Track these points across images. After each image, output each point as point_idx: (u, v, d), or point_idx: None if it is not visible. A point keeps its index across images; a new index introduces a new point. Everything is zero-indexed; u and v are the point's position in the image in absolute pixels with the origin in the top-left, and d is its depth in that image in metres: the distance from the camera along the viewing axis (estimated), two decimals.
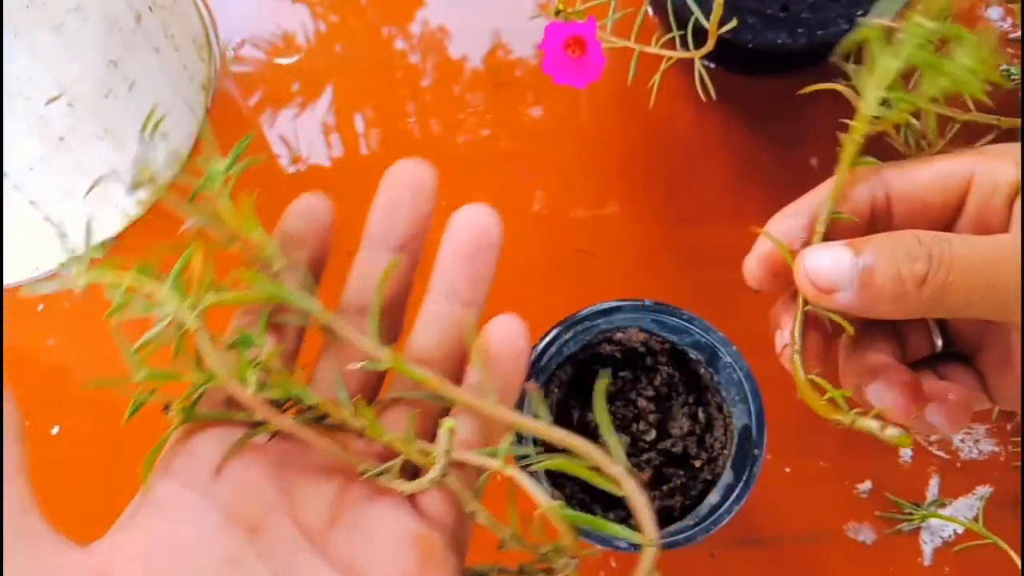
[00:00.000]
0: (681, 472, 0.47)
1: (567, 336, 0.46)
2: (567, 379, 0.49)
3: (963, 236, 0.26)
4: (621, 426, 0.49)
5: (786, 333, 0.31)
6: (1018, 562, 0.51)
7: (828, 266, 0.27)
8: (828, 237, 0.29)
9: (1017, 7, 0.61)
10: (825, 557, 0.53)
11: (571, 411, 0.49)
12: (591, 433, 0.49)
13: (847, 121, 0.32)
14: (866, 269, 0.26)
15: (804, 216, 0.30)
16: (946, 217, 0.29)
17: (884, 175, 0.30)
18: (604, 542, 0.43)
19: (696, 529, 0.43)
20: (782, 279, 0.30)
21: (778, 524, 0.53)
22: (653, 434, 0.48)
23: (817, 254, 0.27)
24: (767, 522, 0.53)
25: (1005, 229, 0.27)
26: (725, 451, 0.46)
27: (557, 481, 0.46)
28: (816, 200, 0.31)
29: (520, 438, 0.44)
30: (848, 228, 0.29)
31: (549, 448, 0.48)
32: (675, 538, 0.43)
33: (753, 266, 0.31)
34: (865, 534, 0.53)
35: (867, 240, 0.27)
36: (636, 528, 0.46)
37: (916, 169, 0.29)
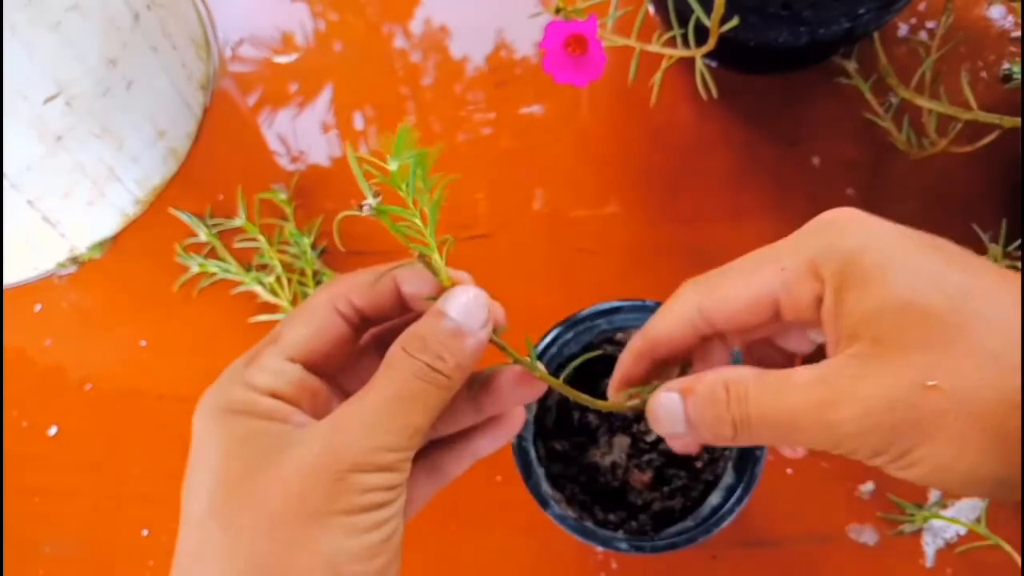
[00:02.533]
0: (682, 473, 0.47)
1: (568, 336, 0.46)
2: (567, 379, 0.49)
3: (764, 384, 0.29)
4: (622, 427, 0.48)
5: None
6: (1020, 563, 0.51)
7: (665, 419, 0.31)
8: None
9: (1018, 6, 0.60)
10: (827, 558, 0.53)
11: (571, 411, 0.49)
12: (591, 433, 0.48)
13: None
14: (692, 424, 0.31)
15: (642, 360, 0.35)
16: (767, 329, 0.32)
17: (701, 306, 0.32)
18: (605, 543, 0.43)
19: (697, 530, 0.43)
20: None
21: (780, 525, 0.53)
22: (654, 435, 0.48)
23: (657, 406, 0.31)
24: (769, 523, 0.53)
25: (822, 339, 0.30)
26: (727, 452, 0.46)
27: (557, 482, 0.46)
28: (648, 341, 0.34)
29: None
30: (686, 346, 0.33)
31: (546, 433, 0.48)
32: (676, 539, 0.43)
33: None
34: (867, 535, 0.53)
35: (691, 390, 0.30)
36: (635, 531, 0.46)
37: (726, 297, 0.31)
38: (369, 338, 0.34)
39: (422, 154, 0.28)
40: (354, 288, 0.32)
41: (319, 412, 0.30)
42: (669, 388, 0.31)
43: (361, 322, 0.32)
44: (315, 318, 0.31)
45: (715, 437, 0.30)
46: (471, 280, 0.32)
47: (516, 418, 0.35)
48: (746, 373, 0.29)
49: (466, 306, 0.30)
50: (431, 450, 0.34)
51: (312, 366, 0.31)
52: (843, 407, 0.26)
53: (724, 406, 0.29)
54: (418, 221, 0.29)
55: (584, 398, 0.34)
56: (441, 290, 0.31)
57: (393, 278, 0.32)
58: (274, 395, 0.30)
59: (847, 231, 0.28)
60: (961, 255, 0.27)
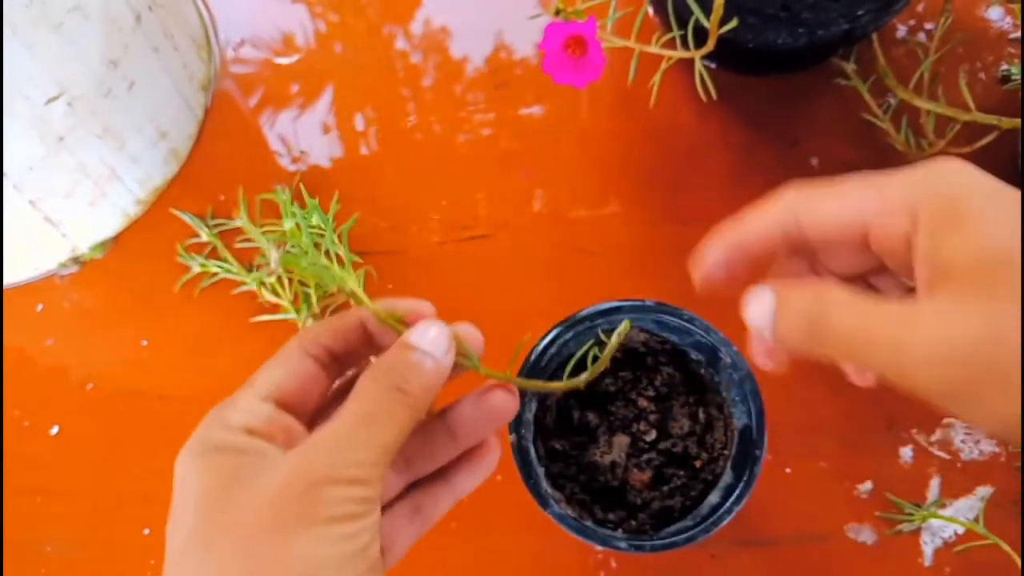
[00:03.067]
0: (681, 472, 0.47)
1: (567, 336, 0.46)
2: (569, 375, 0.49)
3: (852, 294, 0.29)
4: (622, 426, 0.48)
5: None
6: (1019, 562, 0.51)
7: (756, 311, 0.32)
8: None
9: (1017, 7, 0.61)
10: (826, 558, 0.53)
11: (571, 411, 0.49)
12: (591, 432, 0.49)
13: None
14: (775, 329, 0.31)
15: (727, 253, 0.35)
16: (856, 248, 0.32)
17: (795, 210, 0.32)
18: (604, 542, 0.43)
19: (696, 529, 0.43)
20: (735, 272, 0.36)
21: (779, 525, 0.53)
22: (654, 434, 0.48)
23: (752, 298, 0.32)
24: (768, 523, 0.53)
25: (908, 275, 0.30)
26: (726, 451, 0.46)
27: (557, 482, 0.46)
28: (738, 233, 0.34)
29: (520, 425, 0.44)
30: (772, 250, 0.34)
31: (546, 434, 0.48)
32: (675, 539, 0.43)
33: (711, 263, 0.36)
34: (866, 535, 0.53)
35: (782, 286, 0.31)
36: (635, 531, 0.46)
37: (821, 208, 0.32)
38: (343, 383, 0.36)
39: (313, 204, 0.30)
40: (324, 331, 0.34)
41: (293, 447, 0.31)
42: (760, 294, 0.32)
43: (332, 362, 0.35)
44: (288, 361, 0.34)
45: (791, 336, 0.31)
46: (431, 310, 0.34)
47: (492, 449, 0.37)
48: (841, 285, 0.30)
49: (429, 336, 0.33)
50: (412, 492, 0.36)
51: (286, 405, 0.33)
52: (924, 330, 0.26)
53: (809, 302, 0.30)
54: (331, 264, 0.33)
55: (539, 384, 0.40)
56: (399, 321, 0.34)
57: (359, 317, 0.34)
58: (249, 431, 0.31)
59: (949, 178, 0.29)
60: None
